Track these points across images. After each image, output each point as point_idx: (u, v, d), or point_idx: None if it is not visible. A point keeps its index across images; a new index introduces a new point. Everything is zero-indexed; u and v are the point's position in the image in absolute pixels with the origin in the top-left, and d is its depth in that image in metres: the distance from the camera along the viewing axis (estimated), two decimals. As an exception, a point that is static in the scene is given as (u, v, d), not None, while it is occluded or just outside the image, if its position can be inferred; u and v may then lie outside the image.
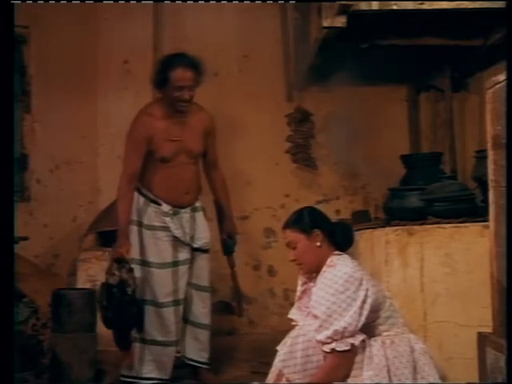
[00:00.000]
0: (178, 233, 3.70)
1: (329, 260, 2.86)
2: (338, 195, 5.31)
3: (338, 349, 2.70)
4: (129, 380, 3.68)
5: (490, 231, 2.72)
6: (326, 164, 5.27)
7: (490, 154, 2.67)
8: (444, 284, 3.22)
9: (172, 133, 3.68)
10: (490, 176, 2.68)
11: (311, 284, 2.97)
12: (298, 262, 2.95)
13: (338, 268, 2.81)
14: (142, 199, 3.73)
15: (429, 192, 3.55)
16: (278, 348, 2.85)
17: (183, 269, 3.74)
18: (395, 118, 5.26)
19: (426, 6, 3.59)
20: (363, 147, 5.15)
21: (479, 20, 3.73)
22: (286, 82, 5.29)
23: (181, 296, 3.74)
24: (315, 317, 2.78)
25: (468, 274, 3.21)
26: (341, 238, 2.96)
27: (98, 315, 3.62)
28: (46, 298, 3.78)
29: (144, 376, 3.68)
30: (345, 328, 2.69)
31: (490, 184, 2.68)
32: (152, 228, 3.70)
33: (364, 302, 2.73)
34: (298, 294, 3.07)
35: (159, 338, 3.68)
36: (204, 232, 3.83)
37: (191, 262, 3.78)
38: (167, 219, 3.69)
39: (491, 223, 2.68)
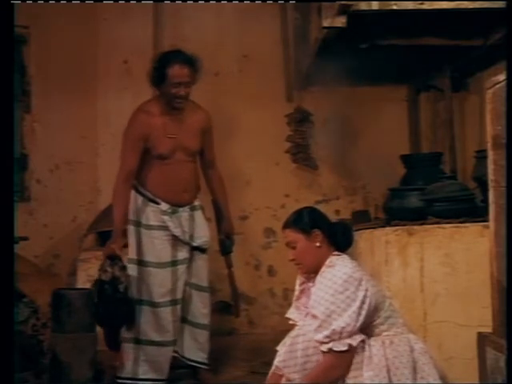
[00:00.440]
0: (176, 231, 3.70)
1: (328, 260, 2.86)
2: (338, 195, 5.31)
3: (335, 349, 2.70)
4: (125, 382, 3.67)
5: (490, 231, 2.72)
6: (326, 164, 5.27)
7: (490, 154, 2.67)
8: (444, 284, 3.22)
9: (169, 130, 3.70)
10: (490, 176, 2.68)
11: (310, 284, 2.97)
12: (297, 262, 2.95)
13: (338, 268, 2.81)
14: (140, 199, 3.73)
15: (429, 192, 3.55)
16: (278, 348, 2.85)
17: (182, 268, 3.74)
18: (395, 117, 5.26)
19: (426, 5, 3.59)
20: (363, 147, 5.16)
21: (479, 20, 3.73)
22: (286, 82, 5.29)
23: (179, 296, 3.74)
24: (314, 317, 2.78)
25: (468, 274, 3.21)
26: (340, 239, 2.96)
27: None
28: (46, 298, 3.78)
29: (140, 377, 3.67)
30: (343, 328, 2.69)
31: (490, 184, 2.68)
32: (151, 227, 3.71)
33: (363, 302, 2.73)
34: (296, 293, 3.07)
35: (156, 338, 3.68)
36: (203, 231, 3.83)
37: (190, 261, 3.79)
38: (166, 218, 3.69)
39: (491, 223, 2.68)
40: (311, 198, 5.10)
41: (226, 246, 4.00)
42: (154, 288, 3.69)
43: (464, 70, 4.64)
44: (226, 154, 4.61)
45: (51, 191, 5.08)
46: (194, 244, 3.78)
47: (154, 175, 3.72)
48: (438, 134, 5.07)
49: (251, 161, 5.21)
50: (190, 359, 3.83)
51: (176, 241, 3.73)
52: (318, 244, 2.90)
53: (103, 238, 4.69)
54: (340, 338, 2.70)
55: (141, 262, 3.70)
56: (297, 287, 3.07)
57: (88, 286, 4.33)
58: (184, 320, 3.81)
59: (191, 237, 3.77)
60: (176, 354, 3.82)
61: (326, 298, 2.74)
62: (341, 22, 3.57)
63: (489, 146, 2.68)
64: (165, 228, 3.70)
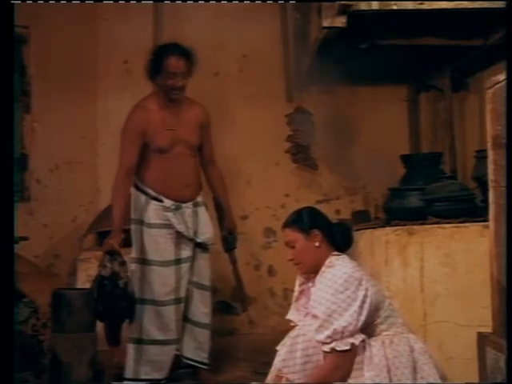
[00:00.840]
0: (180, 228, 3.70)
1: (327, 261, 2.86)
2: (338, 195, 5.32)
3: (337, 348, 2.70)
4: (126, 382, 3.67)
5: (490, 231, 2.72)
6: (326, 164, 5.27)
7: (490, 154, 2.67)
8: (444, 284, 3.22)
9: (167, 123, 3.72)
10: (490, 176, 2.68)
11: (309, 284, 2.97)
12: (296, 262, 2.95)
13: (338, 268, 2.81)
14: (143, 197, 3.73)
15: (429, 192, 3.55)
16: (278, 348, 2.85)
17: (185, 267, 3.74)
18: (395, 117, 5.26)
19: (426, 6, 3.59)
20: (363, 147, 5.16)
21: (479, 20, 3.73)
22: (286, 82, 5.29)
23: (182, 294, 3.74)
24: (315, 317, 2.78)
25: (468, 274, 3.21)
26: (340, 239, 2.96)
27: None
28: (46, 298, 3.78)
29: (142, 378, 3.67)
30: (344, 327, 2.69)
31: (490, 184, 2.68)
32: (154, 226, 3.70)
33: (364, 301, 2.73)
34: (295, 294, 3.06)
35: (159, 337, 3.67)
36: (207, 227, 3.83)
37: (192, 260, 3.79)
38: (170, 215, 3.69)
39: (491, 223, 2.68)
40: (311, 198, 5.10)
41: (229, 242, 3.99)
42: (158, 287, 3.68)
43: (464, 70, 4.64)
44: (226, 154, 4.60)
45: (51, 191, 5.08)
46: (198, 240, 3.77)
47: (154, 171, 3.72)
48: (438, 133, 5.08)
49: (251, 161, 5.22)
50: (190, 359, 3.82)
51: (179, 239, 3.72)
52: (316, 244, 2.90)
53: (103, 237, 4.68)
54: (342, 338, 2.70)
55: (144, 261, 3.70)
56: (296, 288, 3.07)
57: (88, 286, 4.33)
58: (185, 319, 3.81)
59: (195, 233, 3.76)
60: (178, 352, 3.82)
61: (327, 297, 2.74)
62: (341, 22, 3.58)
63: (489, 145, 2.68)
64: (168, 226, 3.70)
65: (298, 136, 5.20)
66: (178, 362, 3.83)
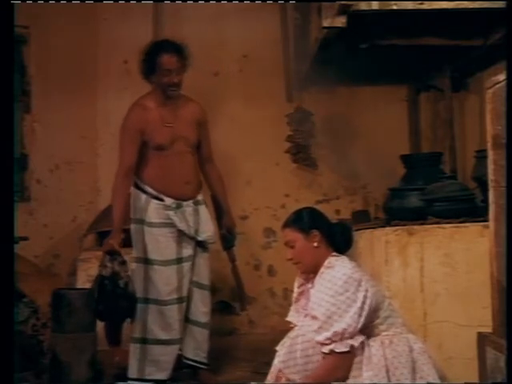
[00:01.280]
0: (181, 226, 3.70)
1: (327, 261, 2.86)
2: (338, 195, 5.31)
3: (337, 350, 2.70)
4: (131, 382, 3.67)
5: (490, 231, 2.72)
6: (326, 164, 5.27)
7: (490, 154, 2.67)
8: (444, 284, 3.22)
9: (165, 120, 3.73)
10: (490, 176, 2.68)
11: (309, 285, 2.97)
12: (295, 262, 2.95)
13: (337, 269, 2.80)
14: (143, 196, 3.73)
15: (429, 192, 3.55)
16: (277, 348, 2.85)
17: (187, 266, 3.74)
18: (395, 117, 5.26)
19: (426, 6, 3.59)
20: (363, 147, 5.16)
21: (479, 20, 3.73)
22: (286, 82, 5.29)
23: (184, 293, 3.74)
24: (314, 318, 2.78)
25: (468, 274, 3.21)
26: (339, 240, 2.95)
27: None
28: (46, 298, 3.78)
29: (146, 378, 3.66)
30: (344, 329, 2.69)
31: (490, 184, 2.68)
32: (155, 225, 3.70)
33: (363, 302, 2.73)
34: (294, 295, 3.06)
35: (163, 337, 3.67)
36: (208, 225, 3.83)
37: (193, 259, 3.78)
38: (171, 213, 3.69)
39: (491, 223, 2.68)
40: (311, 198, 5.10)
41: (227, 240, 3.99)
42: (160, 286, 3.68)
43: (464, 70, 4.64)
44: (226, 154, 4.61)
45: (51, 191, 5.08)
46: (199, 238, 3.77)
47: (153, 169, 3.72)
48: (438, 133, 5.07)
49: (251, 160, 5.21)
50: (189, 358, 3.82)
51: (181, 238, 3.72)
52: (315, 244, 2.90)
53: (103, 237, 4.68)
54: (341, 340, 2.70)
55: (146, 261, 3.70)
56: (295, 289, 3.06)
57: (88, 286, 4.34)
58: (186, 319, 3.80)
59: (196, 231, 3.76)
60: (180, 352, 3.82)
61: (327, 299, 2.74)
62: (341, 22, 3.58)
63: (489, 145, 2.68)
64: (169, 225, 3.70)
65: (297, 136, 5.19)
66: (179, 362, 3.83)
